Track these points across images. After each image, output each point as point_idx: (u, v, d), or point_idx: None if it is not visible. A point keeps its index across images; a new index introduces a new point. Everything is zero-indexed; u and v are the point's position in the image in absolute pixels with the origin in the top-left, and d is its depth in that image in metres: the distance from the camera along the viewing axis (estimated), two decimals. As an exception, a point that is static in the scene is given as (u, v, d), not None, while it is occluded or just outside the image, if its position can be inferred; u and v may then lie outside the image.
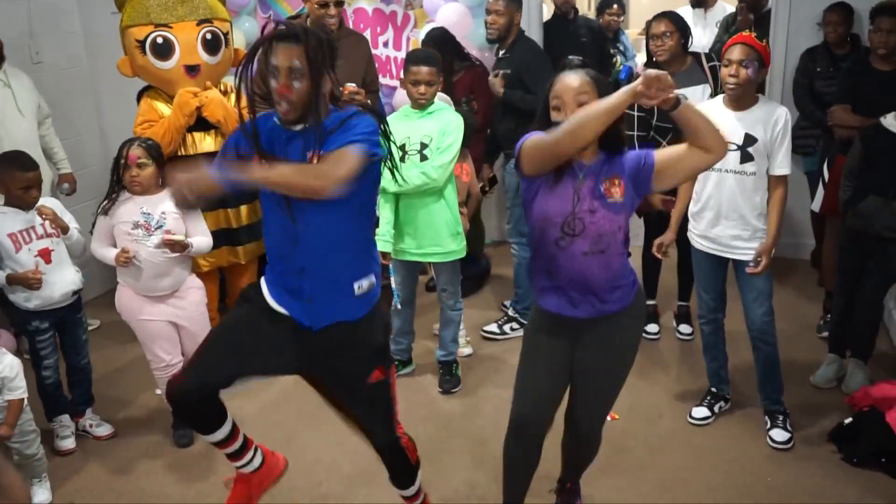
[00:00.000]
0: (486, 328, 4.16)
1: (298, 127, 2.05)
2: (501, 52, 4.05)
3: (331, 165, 1.93)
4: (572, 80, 2.16)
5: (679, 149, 2.14)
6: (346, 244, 2.11)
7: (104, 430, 3.32)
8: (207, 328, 3.12)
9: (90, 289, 4.59)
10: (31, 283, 3.00)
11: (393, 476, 2.49)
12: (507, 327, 4.15)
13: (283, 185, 1.94)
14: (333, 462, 3.10)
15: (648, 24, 3.74)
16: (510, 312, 4.19)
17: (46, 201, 3.14)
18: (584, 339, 2.33)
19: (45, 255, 3.06)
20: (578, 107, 2.10)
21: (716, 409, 3.29)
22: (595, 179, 2.19)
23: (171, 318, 3.13)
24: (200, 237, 3.15)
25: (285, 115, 2.02)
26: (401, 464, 2.44)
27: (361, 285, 2.14)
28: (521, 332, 4.04)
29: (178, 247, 3.01)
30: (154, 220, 3.03)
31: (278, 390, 3.62)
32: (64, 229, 3.11)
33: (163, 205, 3.03)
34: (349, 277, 2.13)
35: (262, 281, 2.22)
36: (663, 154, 2.17)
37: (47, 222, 3.07)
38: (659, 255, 3.27)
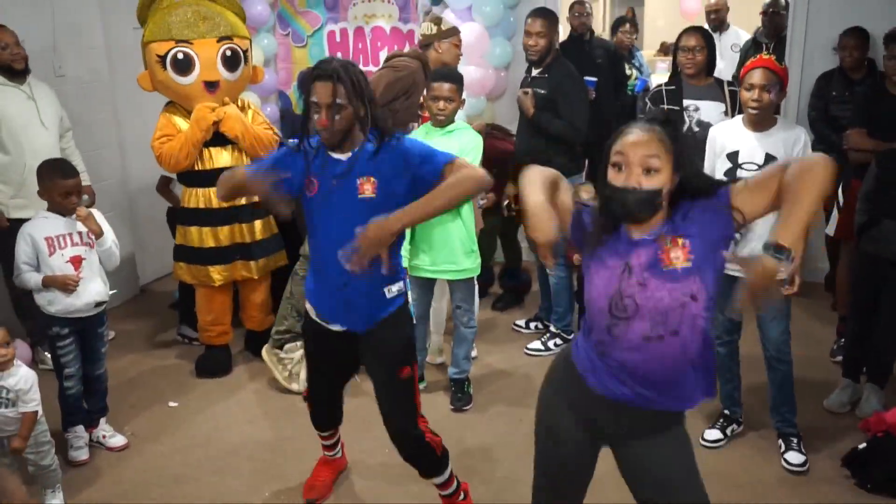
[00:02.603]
0: (530, 346, 4.19)
1: (344, 156, 2.37)
2: (536, 72, 4.05)
3: (468, 169, 2.32)
4: (639, 136, 1.74)
5: (764, 189, 1.74)
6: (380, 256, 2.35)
7: (118, 441, 3.33)
8: None
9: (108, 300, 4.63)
10: (68, 286, 3.05)
11: (421, 470, 2.68)
12: (550, 343, 4.17)
13: (449, 203, 2.30)
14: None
15: (678, 37, 3.78)
16: (553, 329, 4.22)
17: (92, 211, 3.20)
18: (630, 431, 1.93)
19: (76, 262, 3.10)
20: (645, 172, 1.73)
21: (728, 431, 3.28)
22: (654, 247, 1.78)
23: None
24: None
25: (328, 142, 2.34)
26: (426, 458, 2.63)
27: (391, 289, 2.46)
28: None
29: None
30: None
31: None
32: (97, 233, 3.14)
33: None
34: (381, 285, 2.43)
35: (308, 307, 2.58)
36: (745, 198, 1.75)
37: (84, 232, 3.12)
38: None
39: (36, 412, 2.75)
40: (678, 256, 1.75)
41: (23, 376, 2.73)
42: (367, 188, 2.33)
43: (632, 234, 1.82)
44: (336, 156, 2.37)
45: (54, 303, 3.09)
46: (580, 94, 4.03)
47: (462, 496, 2.79)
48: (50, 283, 3.06)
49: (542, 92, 3.94)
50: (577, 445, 2.00)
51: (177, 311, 4.57)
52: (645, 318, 1.77)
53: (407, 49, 4.78)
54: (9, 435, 2.72)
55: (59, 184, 3.06)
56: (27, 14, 4.16)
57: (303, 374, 3.78)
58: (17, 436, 2.71)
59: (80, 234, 3.13)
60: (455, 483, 2.75)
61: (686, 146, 1.81)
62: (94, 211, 3.24)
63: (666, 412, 1.89)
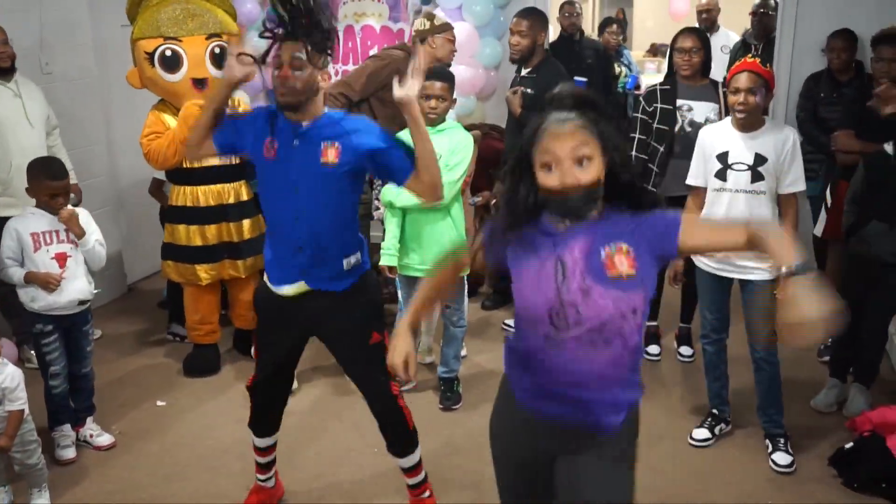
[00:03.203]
0: None
1: (306, 122, 2.35)
2: (525, 71, 4.04)
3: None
4: (561, 129, 1.63)
5: (722, 230, 1.71)
6: (339, 223, 2.41)
7: (105, 440, 3.31)
8: None
9: (94, 298, 4.60)
10: (49, 284, 3.04)
11: (391, 442, 2.68)
12: None
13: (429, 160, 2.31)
14: (335, 477, 3.09)
15: (674, 38, 3.79)
16: None
17: (78, 211, 3.17)
18: (567, 452, 1.80)
19: (61, 259, 3.09)
20: (577, 164, 1.62)
21: (716, 430, 3.29)
22: (588, 245, 1.67)
23: None
24: None
25: (283, 97, 2.29)
26: (398, 426, 2.64)
27: (350, 261, 2.45)
28: None
29: None
30: None
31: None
32: (78, 235, 3.11)
33: None
34: (340, 254, 2.43)
35: (265, 278, 2.55)
36: (695, 228, 1.68)
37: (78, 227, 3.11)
38: (675, 285, 3.32)
39: (22, 411, 2.74)
40: (622, 262, 1.65)
41: (9, 374, 2.72)
42: (331, 153, 2.31)
43: (557, 225, 1.71)
44: (298, 120, 2.35)
45: (37, 300, 3.08)
46: None
47: (427, 494, 2.80)
48: (32, 280, 3.05)
49: (530, 91, 3.95)
50: (532, 471, 1.89)
51: (165, 310, 4.55)
52: (584, 327, 1.66)
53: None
54: (-6, 434, 2.72)
55: (46, 185, 3.05)
56: (14, 11, 4.12)
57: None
58: (3, 434, 2.70)
59: (66, 231, 3.12)
60: (423, 474, 2.77)
61: (611, 124, 1.68)
62: (82, 210, 3.22)
63: (606, 436, 1.76)
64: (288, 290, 2.46)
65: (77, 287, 3.14)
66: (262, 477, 2.87)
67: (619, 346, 1.67)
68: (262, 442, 2.79)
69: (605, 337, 1.65)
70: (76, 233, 3.11)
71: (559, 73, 4.02)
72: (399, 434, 2.67)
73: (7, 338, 3.80)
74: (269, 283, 2.52)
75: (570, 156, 1.61)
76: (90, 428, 3.33)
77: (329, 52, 2.33)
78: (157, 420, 3.53)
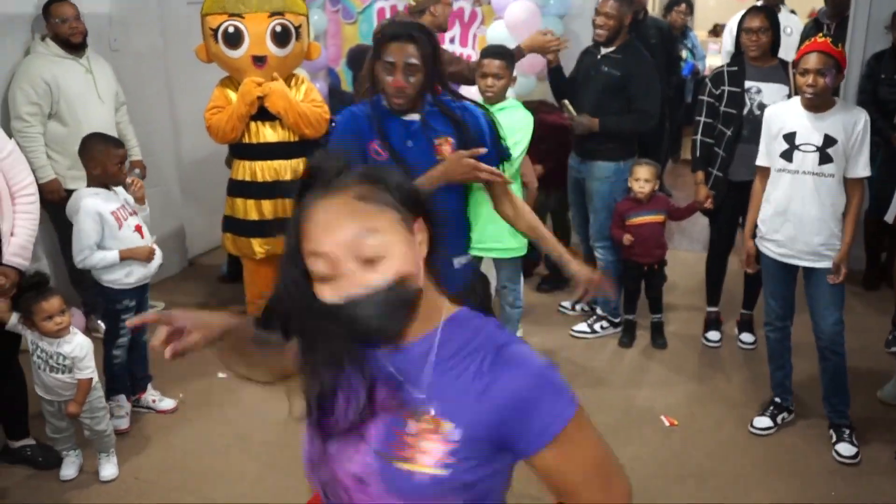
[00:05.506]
0: (576, 328, 4.16)
1: (415, 116, 2.29)
2: (607, 50, 3.93)
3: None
4: (329, 216, 1.05)
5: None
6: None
7: (167, 404, 3.39)
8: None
9: (157, 271, 4.70)
10: (150, 256, 3.14)
11: None
12: (597, 326, 4.14)
13: None
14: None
15: (742, 18, 3.68)
16: (599, 311, 4.19)
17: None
18: None
19: (140, 230, 3.18)
20: (366, 266, 1.02)
21: (778, 419, 3.22)
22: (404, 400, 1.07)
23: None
24: None
25: (399, 106, 2.25)
26: None
27: None
28: (612, 331, 4.12)
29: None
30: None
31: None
32: (141, 200, 3.24)
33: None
34: None
35: None
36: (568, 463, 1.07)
37: (130, 200, 3.19)
38: (751, 271, 3.24)
39: (91, 379, 2.82)
40: (429, 447, 1.03)
41: (79, 344, 2.80)
42: (446, 149, 2.30)
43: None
44: (406, 117, 2.29)
45: (132, 274, 3.12)
46: (654, 78, 3.95)
47: None
48: (130, 257, 3.08)
49: (616, 73, 3.85)
50: None
51: (226, 284, 4.64)
52: None
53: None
54: (65, 399, 2.81)
55: (113, 153, 3.09)
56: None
57: None
58: (73, 401, 2.78)
59: (128, 203, 3.18)
60: None
61: (406, 186, 1.09)
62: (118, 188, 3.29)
63: None
64: None
65: (158, 252, 3.23)
66: None
67: None
68: None
69: None
70: (142, 198, 3.23)
71: (642, 56, 3.92)
72: None
73: (77, 307, 3.91)
74: None
75: (350, 257, 1.02)
76: (151, 394, 3.41)
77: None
78: (217, 392, 3.59)
